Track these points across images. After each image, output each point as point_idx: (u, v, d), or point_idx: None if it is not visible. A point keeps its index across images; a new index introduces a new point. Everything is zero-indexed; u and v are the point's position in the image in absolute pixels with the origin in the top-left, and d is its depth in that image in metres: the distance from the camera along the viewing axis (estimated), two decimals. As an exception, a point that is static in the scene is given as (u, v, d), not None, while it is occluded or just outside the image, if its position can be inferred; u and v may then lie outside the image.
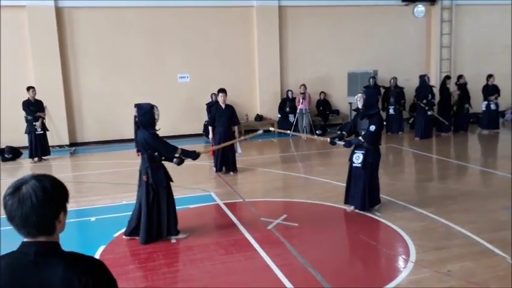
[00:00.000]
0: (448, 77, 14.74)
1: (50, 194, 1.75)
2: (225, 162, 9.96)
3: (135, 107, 6.06)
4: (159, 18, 14.54)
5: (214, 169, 10.07)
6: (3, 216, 1.75)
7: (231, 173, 9.92)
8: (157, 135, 6.10)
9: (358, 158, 6.88)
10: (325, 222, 6.73)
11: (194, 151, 6.41)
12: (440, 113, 14.29)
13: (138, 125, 6.14)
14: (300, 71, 15.96)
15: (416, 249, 5.54)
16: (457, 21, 17.32)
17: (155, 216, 6.00)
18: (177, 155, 6.15)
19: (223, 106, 9.98)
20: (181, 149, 6.22)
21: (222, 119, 9.87)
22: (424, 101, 13.59)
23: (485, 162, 10.82)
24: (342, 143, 7.16)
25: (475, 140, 14.30)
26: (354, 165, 6.96)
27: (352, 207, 7.01)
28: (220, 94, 10.03)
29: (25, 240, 1.77)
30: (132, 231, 6.15)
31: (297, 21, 15.82)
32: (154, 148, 5.98)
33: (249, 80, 15.66)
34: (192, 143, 12.74)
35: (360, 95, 6.91)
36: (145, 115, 6.00)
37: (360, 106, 6.94)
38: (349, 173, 7.09)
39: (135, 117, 6.08)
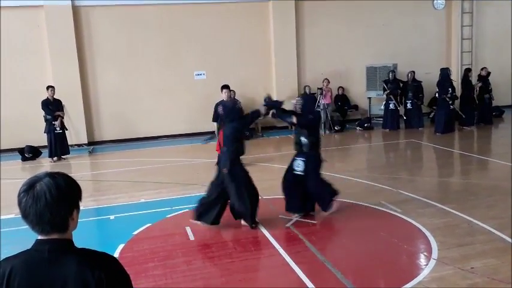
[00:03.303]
0: (469, 70, 14.46)
1: (63, 191, 1.77)
2: None
3: (219, 105, 6.62)
4: (175, 15, 14.56)
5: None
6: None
7: None
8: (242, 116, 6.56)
9: (299, 165, 6.63)
10: (344, 219, 6.65)
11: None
12: (462, 106, 14.06)
13: (223, 122, 6.49)
14: (317, 66, 15.83)
15: (438, 246, 5.44)
16: (478, 12, 16.98)
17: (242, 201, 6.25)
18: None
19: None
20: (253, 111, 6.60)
21: None
22: (448, 95, 13.34)
23: (508, 156, 10.58)
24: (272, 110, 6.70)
25: (499, 134, 14.02)
26: (294, 172, 6.67)
27: (296, 215, 6.67)
28: (224, 90, 10.12)
29: (39, 238, 1.79)
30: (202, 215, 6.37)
31: (314, 16, 15.68)
32: (243, 130, 6.45)
33: (265, 75, 15.59)
34: (209, 140, 12.75)
35: (297, 99, 6.63)
36: (232, 111, 6.47)
37: (297, 110, 6.57)
38: (287, 180, 6.76)
39: (220, 115, 6.47)
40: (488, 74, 14.60)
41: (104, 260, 1.82)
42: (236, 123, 6.31)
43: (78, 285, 1.71)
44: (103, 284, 1.72)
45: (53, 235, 1.77)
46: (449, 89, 13.36)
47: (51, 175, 1.79)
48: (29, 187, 1.75)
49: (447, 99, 13.32)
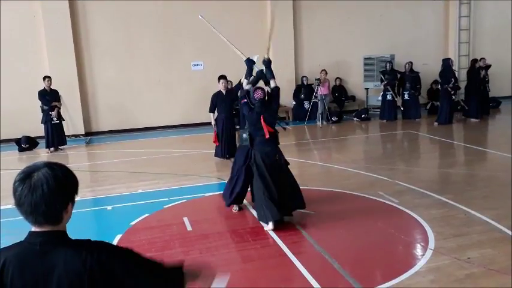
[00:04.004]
0: (475, 60, 14.32)
1: (61, 183, 1.74)
2: (228, 149, 9.90)
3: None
4: (173, 6, 14.45)
5: (217, 156, 10.05)
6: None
7: (232, 159, 9.91)
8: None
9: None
10: (342, 209, 6.65)
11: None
12: (468, 97, 14.08)
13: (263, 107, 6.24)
14: (315, 57, 15.78)
15: (435, 237, 5.46)
16: (475, 3, 16.93)
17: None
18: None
19: (224, 92, 10.08)
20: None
21: (223, 105, 9.98)
22: (450, 85, 13.35)
23: (506, 147, 10.61)
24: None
25: (496, 125, 14.04)
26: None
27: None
28: (221, 81, 10.12)
29: (32, 230, 1.77)
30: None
31: (312, 6, 15.58)
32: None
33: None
34: (206, 131, 12.73)
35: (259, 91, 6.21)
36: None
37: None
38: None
39: (259, 100, 6.24)
40: (488, 66, 14.51)
41: (95, 248, 1.78)
42: (275, 106, 6.22)
43: (70, 277, 1.70)
44: (96, 273, 1.70)
45: (45, 227, 1.74)
46: (452, 79, 13.36)
47: (50, 166, 1.76)
48: (26, 176, 1.72)
49: (449, 89, 13.33)
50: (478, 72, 14.01)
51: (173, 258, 5.21)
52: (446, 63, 13.54)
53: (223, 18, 14.67)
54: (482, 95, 14.24)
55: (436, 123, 13.35)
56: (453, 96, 13.41)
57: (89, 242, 1.81)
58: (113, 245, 1.85)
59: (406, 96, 14.53)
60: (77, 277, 1.70)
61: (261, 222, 6.05)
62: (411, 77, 14.53)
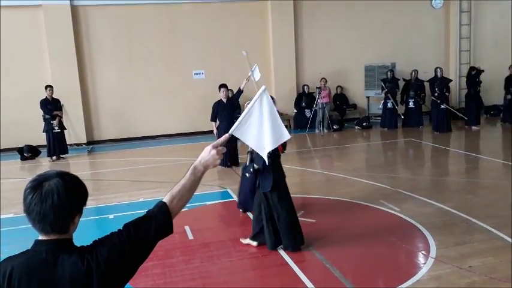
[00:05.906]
0: (473, 68, 14.37)
1: (71, 195, 1.76)
2: (230, 157, 9.89)
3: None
4: (174, 14, 14.55)
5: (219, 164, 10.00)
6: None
7: (233, 167, 9.90)
8: None
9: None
10: (343, 218, 6.66)
11: None
12: (468, 105, 14.14)
13: None
14: (316, 65, 15.82)
15: (436, 245, 5.45)
16: (476, 11, 16.99)
17: None
18: None
19: (224, 101, 10.17)
20: None
21: (225, 114, 10.06)
22: (436, 94, 13.44)
23: (507, 155, 10.61)
24: None
25: (497, 133, 14.04)
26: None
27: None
28: (222, 89, 10.24)
29: (38, 238, 1.79)
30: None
31: (313, 14, 15.68)
32: None
33: (264, 75, 15.46)
34: (208, 139, 12.76)
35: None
36: None
37: None
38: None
39: None
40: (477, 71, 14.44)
41: (92, 245, 1.81)
42: None
43: (76, 283, 1.71)
44: (91, 267, 1.72)
45: (52, 235, 1.76)
46: (436, 88, 13.44)
47: (62, 176, 1.77)
48: (37, 184, 1.73)
49: (433, 98, 13.50)
50: (474, 79, 14.06)
51: (174, 267, 5.22)
52: (435, 72, 13.75)
53: (225, 23, 14.82)
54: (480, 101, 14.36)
55: (436, 132, 13.33)
56: (441, 105, 13.41)
57: (91, 245, 1.83)
58: (106, 235, 1.88)
59: (410, 103, 14.54)
60: (83, 282, 1.72)
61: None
62: (416, 85, 14.57)
